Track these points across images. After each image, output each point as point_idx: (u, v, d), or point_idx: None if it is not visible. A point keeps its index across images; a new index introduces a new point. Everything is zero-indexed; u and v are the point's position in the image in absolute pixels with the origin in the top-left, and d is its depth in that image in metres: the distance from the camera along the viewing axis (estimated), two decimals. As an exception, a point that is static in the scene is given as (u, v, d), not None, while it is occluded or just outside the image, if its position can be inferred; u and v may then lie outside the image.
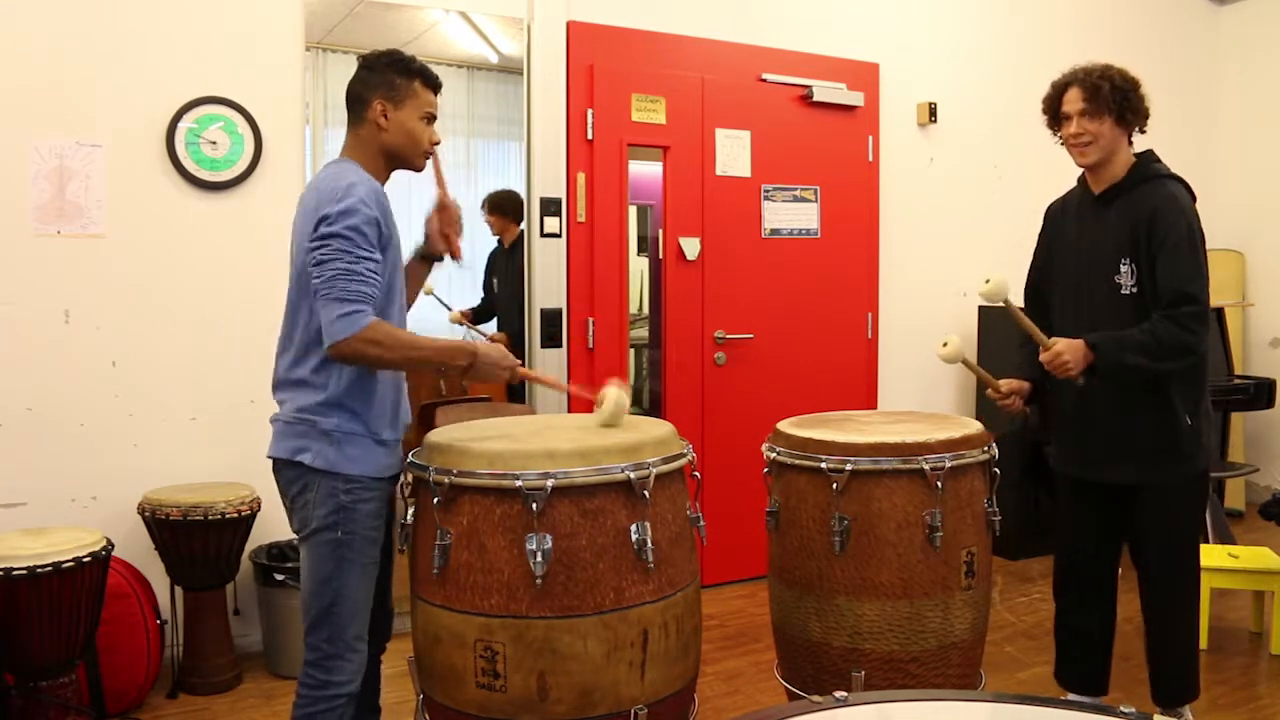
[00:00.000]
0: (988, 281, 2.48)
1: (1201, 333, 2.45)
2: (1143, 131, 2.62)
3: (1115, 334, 2.49)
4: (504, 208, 4.01)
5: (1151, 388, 2.52)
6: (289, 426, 2.11)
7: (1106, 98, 2.50)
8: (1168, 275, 2.46)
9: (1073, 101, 2.55)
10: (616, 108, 4.03)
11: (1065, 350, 2.46)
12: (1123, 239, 2.53)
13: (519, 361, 2.21)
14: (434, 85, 2.22)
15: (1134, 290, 2.53)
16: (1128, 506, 2.65)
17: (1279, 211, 5.63)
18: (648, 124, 4.10)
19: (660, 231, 4.30)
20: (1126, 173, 2.57)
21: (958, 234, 4.95)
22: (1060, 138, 2.66)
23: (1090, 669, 2.79)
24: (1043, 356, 2.51)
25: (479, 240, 4.04)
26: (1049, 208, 2.85)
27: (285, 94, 3.51)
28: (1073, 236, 2.70)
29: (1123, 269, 2.53)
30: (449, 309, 3.92)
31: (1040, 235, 2.86)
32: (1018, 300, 2.60)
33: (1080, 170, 2.69)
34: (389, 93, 2.15)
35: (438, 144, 2.24)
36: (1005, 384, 2.72)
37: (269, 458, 2.15)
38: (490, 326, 4.08)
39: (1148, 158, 2.60)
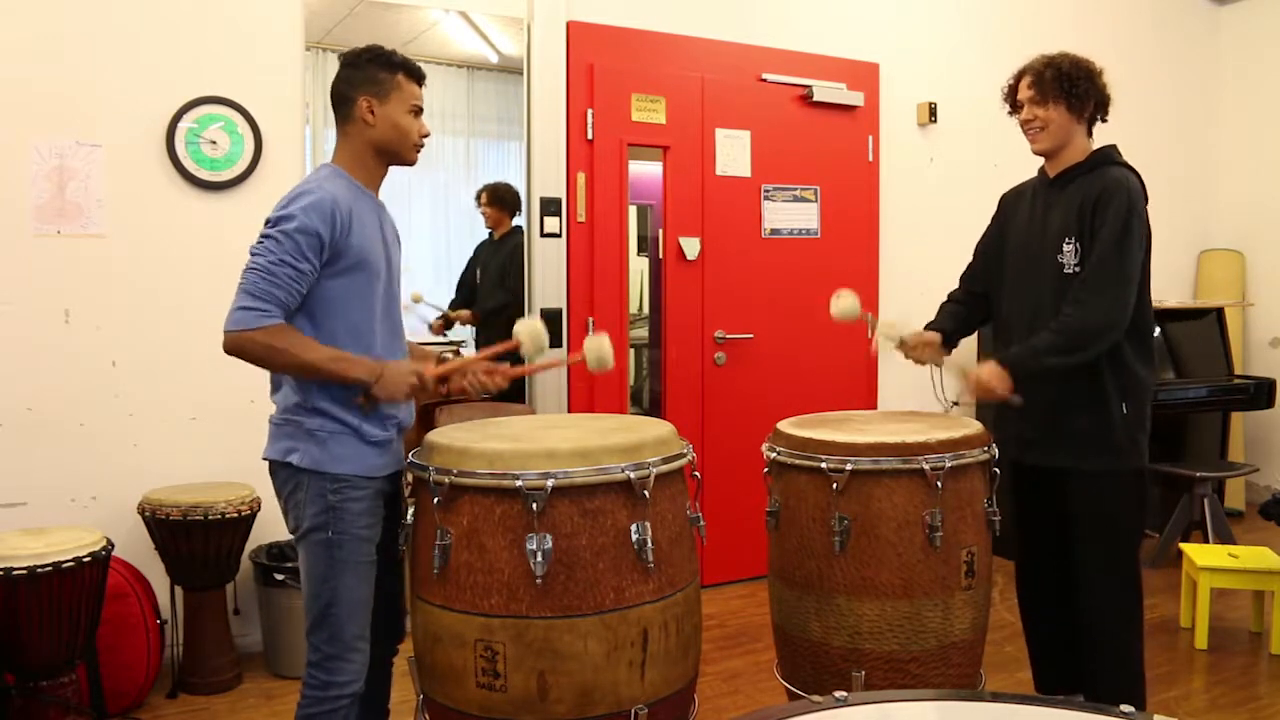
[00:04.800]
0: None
1: (1111, 309, 2.40)
2: (1103, 120, 2.63)
3: (1025, 345, 2.49)
4: (504, 200, 4.03)
5: (1087, 373, 2.48)
6: (279, 428, 2.13)
7: (1050, 83, 2.54)
8: (1091, 255, 2.46)
9: (1023, 89, 2.63)
10: (616, 108, 4.02)
11: (984, 377, 2.47)
12: (1070, 218, 2.53)
13: (425, 367, 2.12)
14: (418, 77, 2.21)
15: (1076, 270, 2.50)
16: (1064, 497, 2.56)
17: (1279, 211, 5.63)
18: (648, 124, 4.10)
19: (660, 231, 4.30)
20: (1086, 157, 2.58)
21: (958, 234, 4.91)
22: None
23: (1069, 675, 2.71)
24: (970, 393, 2.54)
25: (471, 233, 4.07)
26: (1004, 195, 2.85)
27: (285, 94, 3.51)
28: (1025, 220, 2.69)
29: (1066, 248, 2.52)
30: (439, 311, 3.94)
31: (991, 220, 2.85)
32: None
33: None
34: (373, 88, 2.14)
35: (427, 136, 2.23)
36: (912, 336, 2.71)
37: (264, 459, 2.16)
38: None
39: (1110, 149, 2.62)
